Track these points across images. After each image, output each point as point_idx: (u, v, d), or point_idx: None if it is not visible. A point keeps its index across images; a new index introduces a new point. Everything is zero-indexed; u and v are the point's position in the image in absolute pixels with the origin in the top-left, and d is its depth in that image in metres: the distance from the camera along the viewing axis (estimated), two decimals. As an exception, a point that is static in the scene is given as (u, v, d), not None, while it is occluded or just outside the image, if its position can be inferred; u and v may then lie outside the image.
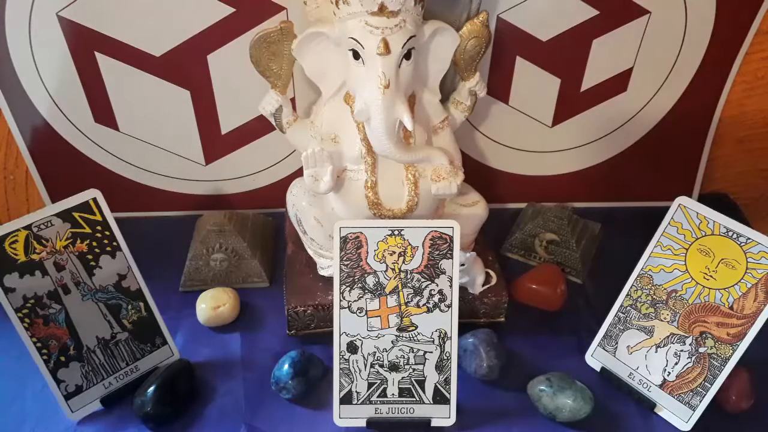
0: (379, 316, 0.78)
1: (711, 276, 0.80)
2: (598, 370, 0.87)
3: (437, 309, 0.78)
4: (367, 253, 0.77)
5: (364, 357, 0.78)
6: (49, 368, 0.78)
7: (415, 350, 0.78)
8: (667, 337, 0.82)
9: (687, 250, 0.81)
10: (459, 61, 0.85)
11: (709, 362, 0.79)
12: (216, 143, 1.04)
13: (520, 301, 0.96)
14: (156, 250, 0.96)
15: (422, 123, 0.84)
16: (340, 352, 0.78)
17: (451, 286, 0.78)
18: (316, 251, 0.92)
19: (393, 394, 0.79)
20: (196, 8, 0.90)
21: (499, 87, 1.01)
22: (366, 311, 0.78)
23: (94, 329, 0.81)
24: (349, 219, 0.84)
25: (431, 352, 0.78)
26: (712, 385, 0.79)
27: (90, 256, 0.79)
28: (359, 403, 0.79)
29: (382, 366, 0.78)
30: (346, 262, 0.78)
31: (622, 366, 0.85)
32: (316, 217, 0.89)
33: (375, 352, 0.78)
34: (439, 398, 0.79)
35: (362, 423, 0.79)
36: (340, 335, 0.78)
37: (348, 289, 0.78)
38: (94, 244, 0.80)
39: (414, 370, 0.79)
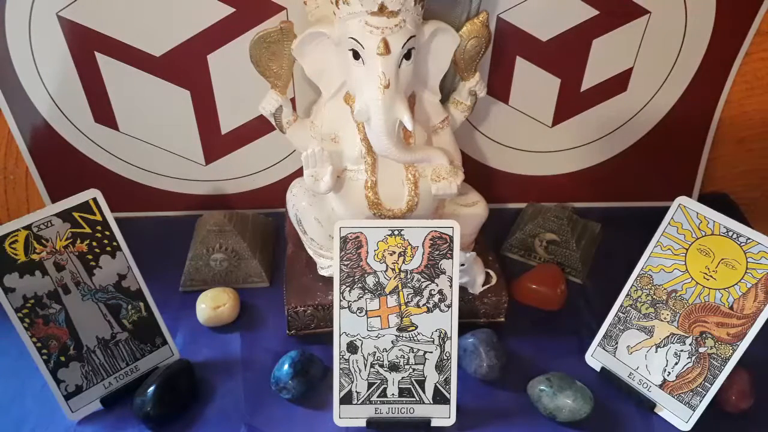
0: (379, 316, 0.78)
1: (711, 276, 0.80)
2: (598, 370, 0.87)
3: (437, 309, 0.78)
4: (367, 253, 0.77)
5: (364, 357, 0.78)
6: (49, 368, 0.78)
7: (415, 350, 0.78)
8: (667, 337, 0.82)
9: (687, 250, 0.81)
10: (459, 61, 0.85)
11: (709, 362, 0.79)
12: (216, 143, 1.04)
13: (520, 301, 0.96)
14: (156, 250, 0.97)
15: (422, 123, 0.84)
16: (340, 352, 0.78)
17: (451, 286, 0.78)
18: (316, 251, 0.92)
19: (393, 394, 0.79)
20: (196, 8, 0.90)
21: (499, 87, 1.01)
22: (366, 311, 0.78)
23: (94, 329, 0.81)
24: (349, 219, 0.84)
25: (431, 352, 0.78)
26: (712, 385, 0.79)
27: (90, 256, 0.79)
28: (359, 403, 0.79)
29: (382, 366, 0.78)
30: (346, 262, 0.78)
31: (622, 366, 0.85)
32: (316, 217, 0.89)
33: (375, 352, 0.78)
34: (439, 398, 0.79)
35: (362, 423, 0.79)
36: (340, 335, 0.78)
37: (348, 289, 0.78)
38: (94, 244, 0.80)
39: (414, 370, 0.79)
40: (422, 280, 0.78)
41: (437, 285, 0.78)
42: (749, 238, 0.78)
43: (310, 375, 0.83)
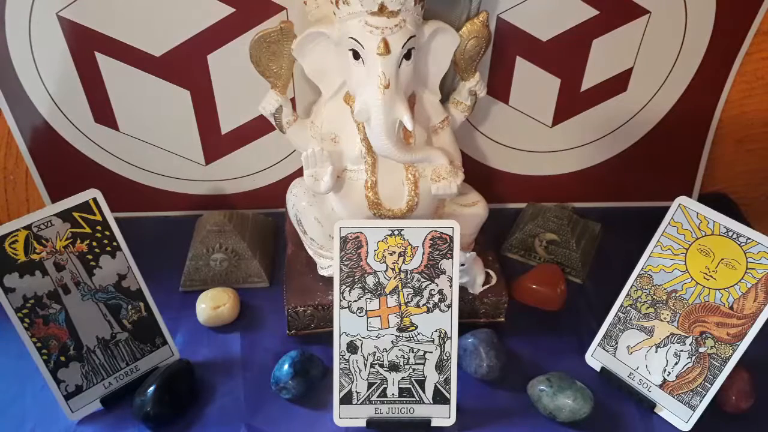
0: (379, 316, 0.78)
1: (711, 276, 0.80)
2: (598, 370, 0.87)
3: (437, 309, 0.78)
4: (367, 253, 0.77)
5: (364, 357, 0.78)
6: (49, 368, 0.78)
7: (415, 350, 0.78)
8: (667, 337, 0.82)
9: (687, 250, 0.81)
10: (459, 61, 0.85)
11: (709, 362, 0.79)
12: (216, 143, 1.04)
13: (520, 301, 0.96)
14: (156, 250, 0.96)
15: (422, 123, 0.84)
16: (340, 352, 0.78)
17: (451, 286, 0.78)
18: (316, 251, 0.92)
19: (393, 394, 0.79)
20: (196, 8, 0.90)
21: (499, 87, 1.01)
22: (366, 311, 0.78)
23: (94, 329, 0.81)
24: (349, 219, 0.84)
25: (431, 352, 0.78)
26: (712, 385, 0.79)
27: (90, 256, 0.79)
28: (359, 403, 0.79)
29: (382, 366, 0.78)
30: (346, 262, 0.78)
31: (622, 366, 0.85)
32: (316, 217, 0.89)
33: (375, 352, 0.78)
34: (439, 398, 0.79)
35: (362, 423, 0.79)
36: (340, 335, 0.78)
37: (348, 289, 0.78)
38: (94, 244, 0.80)
39: (414, 370, 0.79)
40: (422, 280, 0.78)
41: (437, 285, 0.78)
42: (749, 238, 0.78)
43: (310, 375, 0.83)
